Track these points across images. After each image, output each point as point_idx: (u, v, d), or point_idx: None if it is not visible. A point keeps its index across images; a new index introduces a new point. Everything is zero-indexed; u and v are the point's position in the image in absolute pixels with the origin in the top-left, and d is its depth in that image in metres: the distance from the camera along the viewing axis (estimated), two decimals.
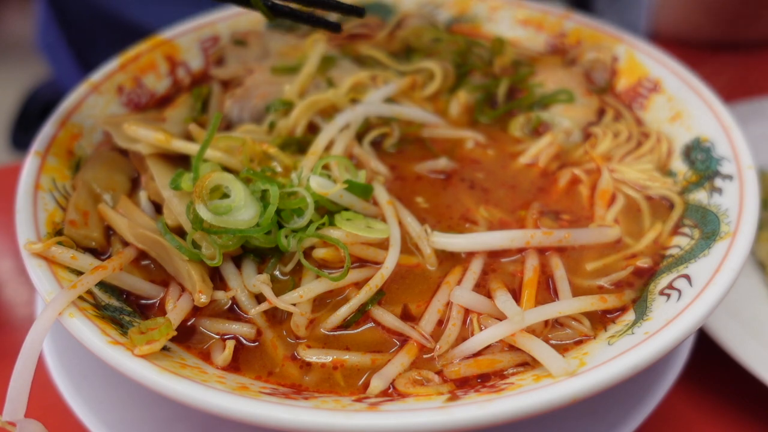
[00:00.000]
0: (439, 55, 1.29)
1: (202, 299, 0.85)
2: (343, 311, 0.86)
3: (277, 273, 0.91)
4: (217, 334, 0.87)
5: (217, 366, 0.82)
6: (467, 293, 0.87)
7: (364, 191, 0.96)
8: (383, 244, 0.92)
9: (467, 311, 0.87)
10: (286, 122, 1.08)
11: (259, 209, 0.89)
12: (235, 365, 0.83)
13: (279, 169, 1.00)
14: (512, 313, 0.82)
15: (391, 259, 0.89)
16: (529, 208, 1.01)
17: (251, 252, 0.92)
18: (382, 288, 0.88)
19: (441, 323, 0.86)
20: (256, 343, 0.86)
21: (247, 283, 0.88)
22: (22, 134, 2.28)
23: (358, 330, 0.87)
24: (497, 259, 0.94)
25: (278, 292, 0.86)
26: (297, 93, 1.14)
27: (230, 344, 0.83)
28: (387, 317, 0.86)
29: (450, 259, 0.94)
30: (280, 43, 1.30)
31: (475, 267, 0.91)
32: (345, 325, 0.87)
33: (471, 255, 0.93)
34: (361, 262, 0.92)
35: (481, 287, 0.90)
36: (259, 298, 0.88)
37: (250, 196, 0.90)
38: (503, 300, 0.85)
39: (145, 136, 1.01)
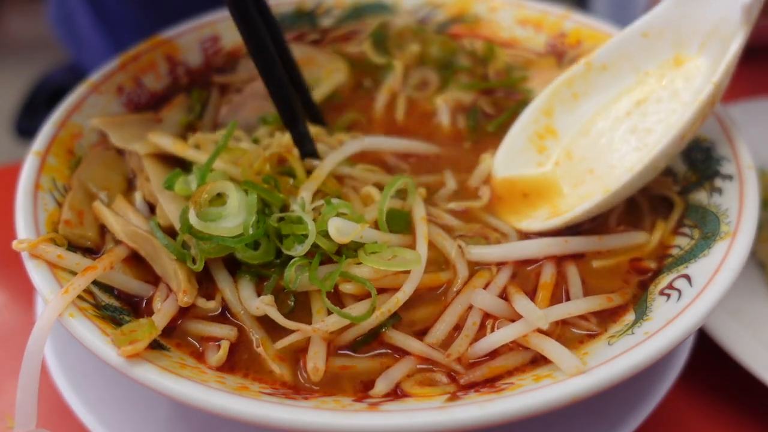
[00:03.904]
0: (426, 56, 1.30)
1: (185, 299, 0.84)
2: (348, 336, 0.83)
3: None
4: (209, 337, 0.85)
5: (210, 366, 0.82)
6: (489, 297, 0.86)
7: (403, 219, 0.92)
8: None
9: (484, 318, 0.86)
10: (280, 141, 1.05)
11: (249, 220, 0.87)
12: (228, 365, 0.83)
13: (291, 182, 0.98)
14: (535, 317, 0.81)
15: (410, 285, 0.85)
16: None
17: (249, 272, 0.89)
18: (396, 312, 0.85)
19: (458, 328, 0.85)
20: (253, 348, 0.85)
21: (249, 305, 0.85)
22: (28, 121, 2.27)
23: (367, 355, 0.84)
24: (521, 265, 0.94)
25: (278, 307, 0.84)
26: None
27: (225, 344, 0.83)
28: (400, 337, 0.84)
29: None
30: (297, 54, 1.28)
31: (504, 275, 0.91)
32: (353, 347, 0.85)
33: (500, 264, 0.93)
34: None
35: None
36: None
37: (245, 206, 0.88)
38: (523, 304, 0.84)
39: (164, 144, 1.02)
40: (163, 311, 0.85)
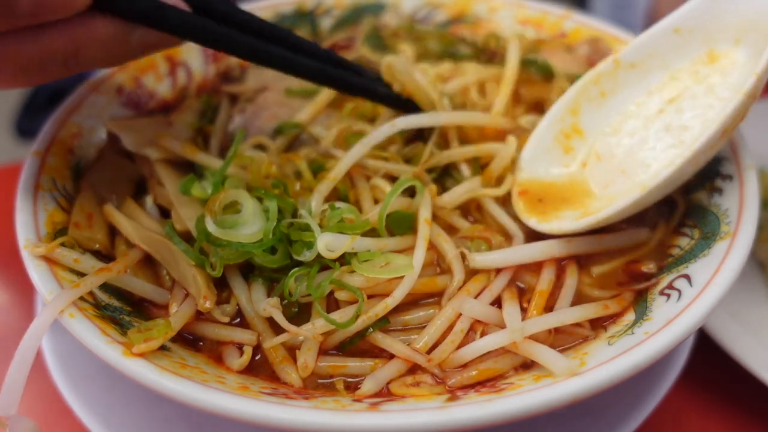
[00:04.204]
0: (426, 52, 1.30)
1: (206, 305, 0.85)
2: (338, 337, 0.85)
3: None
4: (223, 340, 0.87)
5: (233, 370, 0.82)
6: (478, 305, 0.86)
7: (407, 221, 0.92)
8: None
9: (474, 324, 0.85)
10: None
11: (265, 226, 0.88)
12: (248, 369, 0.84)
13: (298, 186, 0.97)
14: (513, 328, 0.81)
15: (400, 291, 0.85)
16: None
17: (261, 276, 0.90)
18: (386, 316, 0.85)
19: (449, 331, 0.85)
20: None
21: (257, 307, 0.86)
22: (28, 121, 2.26)
23: (358, 356, 0.85)
24: (522, 269, 0.93)
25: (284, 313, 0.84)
26: (307, 120, 1.12)
27: (248, 350, 0.84)
28: (386, 340, 0.84)
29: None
30: None
31: (500, 281, 0.89)
32: (341, 347, 0.86)
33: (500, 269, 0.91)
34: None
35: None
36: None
37: (260, 213, 0.89)
38: (509, 312, 0.84)
39: (174, 148, 1.03)
40: (180, 313, 0.85)
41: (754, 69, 0.87)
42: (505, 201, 1.01)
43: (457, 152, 1.02)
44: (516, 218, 0.98)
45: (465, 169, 1.02)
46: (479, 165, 1.03)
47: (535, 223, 0.96)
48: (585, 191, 1.01)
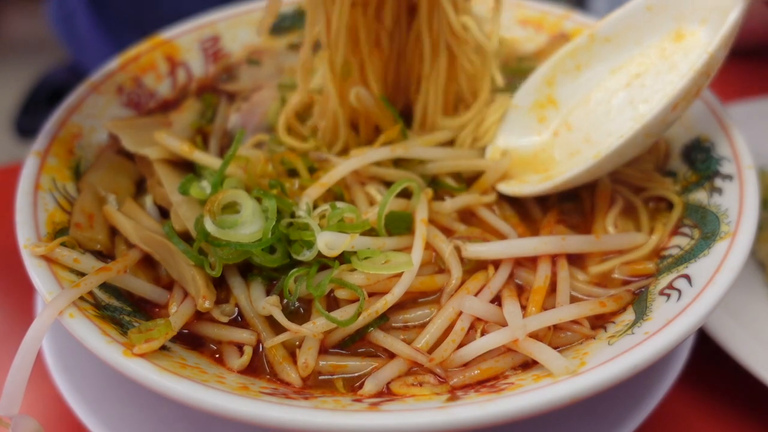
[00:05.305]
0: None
1: (206, 304, 0.85)
2: (338, 335, 0.85)
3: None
4: (222, 340, 0.87)
5: (233, 370, 0.83)
6: (478, 303, 0.86)
7: (404, 221, 0.93)
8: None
9: (474, 322, 0.86)
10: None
11: (264, 226, 0.88)
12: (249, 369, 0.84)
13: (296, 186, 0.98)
14: (515, 326, 0.82)
15: (400, 287, 0.86)
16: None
17: (260, 275, 0.90)
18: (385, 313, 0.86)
19: (450, 330, 0.85)
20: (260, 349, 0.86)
21: (257, 306, 0.87)
22: (28, 120, 2.26)
23: (358, 355, 0.86)
24: (518, 266, 0.93)
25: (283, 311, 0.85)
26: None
27: (248, 350, 0.84)
28: (387, 339, 0.85)
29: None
30: (295, 61, 1.25)
31: (499, 279, 0.90)
32: (342, 345, 0.86)
33: (497, 263, 0.92)
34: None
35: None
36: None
37: (259, 213, 0.89)
38: (509, 310, 0.85)
39: (171, 145, 1.03)
40: (179, 313, 0.86)
41: (708, 47, 0.90)
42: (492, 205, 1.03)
43: (442, 165, 1.03)
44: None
45: (450, 181, 1.03)
46: (464, 178, 1.05)
47: (501, 186, 1.02)
48: (552, 159, 1.05)
